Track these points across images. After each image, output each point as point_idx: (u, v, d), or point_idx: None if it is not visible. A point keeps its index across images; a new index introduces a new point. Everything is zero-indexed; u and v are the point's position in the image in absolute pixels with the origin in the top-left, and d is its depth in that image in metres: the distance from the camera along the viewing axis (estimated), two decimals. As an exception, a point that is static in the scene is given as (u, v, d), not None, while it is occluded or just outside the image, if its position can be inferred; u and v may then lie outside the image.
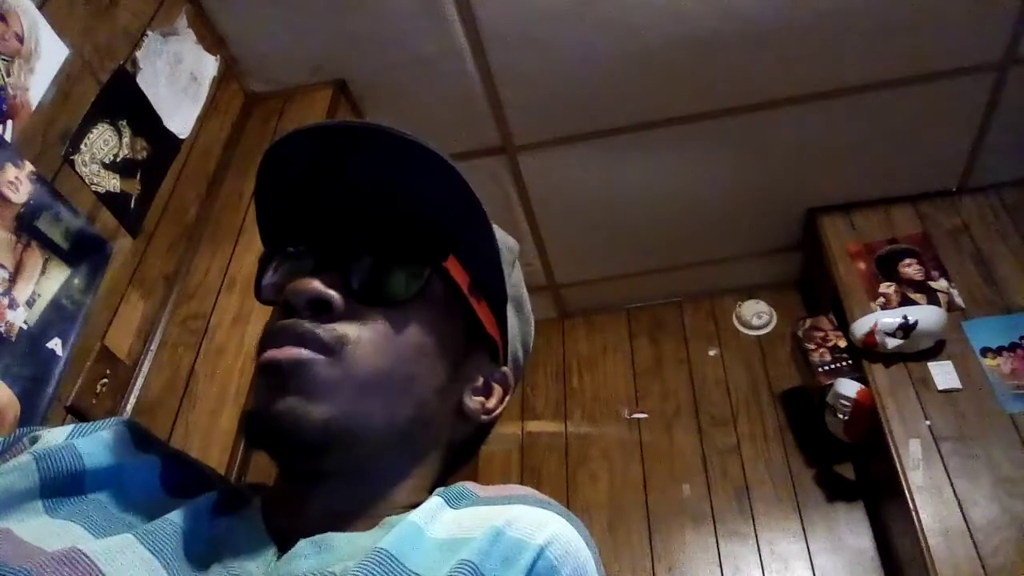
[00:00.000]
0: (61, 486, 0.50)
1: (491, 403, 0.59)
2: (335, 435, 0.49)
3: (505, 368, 0.61)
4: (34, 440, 0.54)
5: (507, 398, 0.60)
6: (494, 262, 0.57)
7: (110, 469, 0.53)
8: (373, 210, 0.54)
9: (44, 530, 0.47)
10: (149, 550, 0.46)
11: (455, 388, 0.56)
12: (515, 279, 0.63)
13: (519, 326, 0.64)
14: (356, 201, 0.54)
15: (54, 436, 0.54)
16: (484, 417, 0.59)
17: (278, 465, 0.54)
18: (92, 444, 0.53)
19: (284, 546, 0.48)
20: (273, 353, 0.49)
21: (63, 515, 0.49)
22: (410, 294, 0.53)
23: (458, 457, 0.60)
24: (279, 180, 0.56)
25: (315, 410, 0.48)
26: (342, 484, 0.51)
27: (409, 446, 0.54)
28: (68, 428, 0.55)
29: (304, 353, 0.49)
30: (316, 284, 0.51)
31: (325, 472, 0.51)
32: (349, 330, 0.51)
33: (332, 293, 0.51)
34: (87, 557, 0.43)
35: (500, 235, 0.61)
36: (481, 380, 0.59)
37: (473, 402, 0.58)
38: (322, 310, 0.51)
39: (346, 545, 0.46)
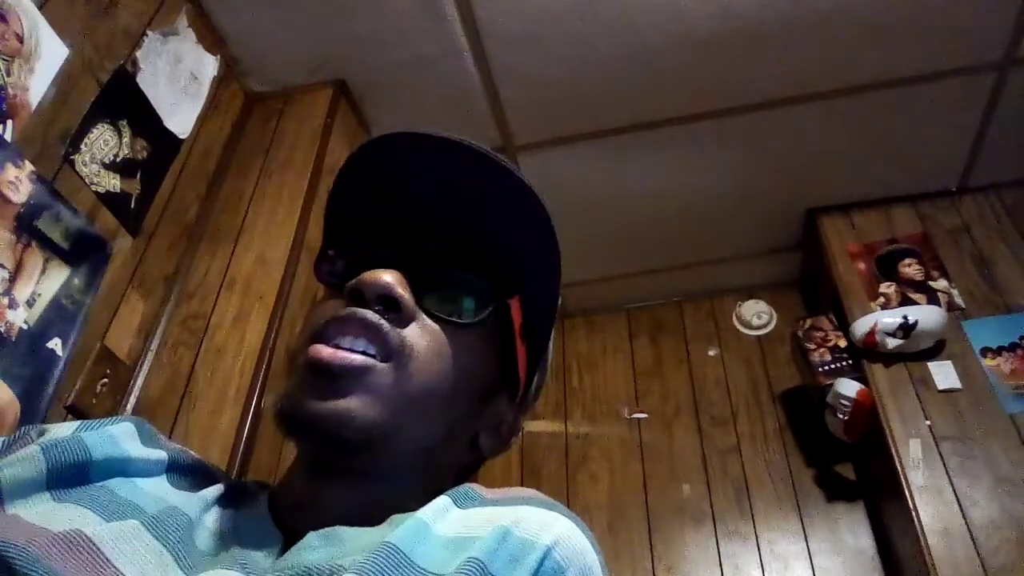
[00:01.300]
0: (68, 476, 0.50)
1: (498, 444, 0.60)
2: (374, 440, 0.49)
3: (520, 416, 0.62)
4: (41, 433, 0.54)
5: (512, 441, 0.61)
6: (548, 317, 0.59)
7: (116, 461, 0.53)
8: (465, 228, 0.54)
9: (52, 513, 0.47)
10: (155, 537, 0.46)
11: (477, 421, 0.58)
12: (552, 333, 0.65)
13: (541, 376, 0.65)
14: (452, 214, 0.55)
15: (61, 430, 0.54)
16: (490, 454, 0.60)
17: (303, 453, 0.55)
18: (99, 438, 0.53)
19: (291, 538, 0.48)
20: (328, 355, 0.49)
21: (70, 500, 0.49)
22: (473, 318, 0.54)
23: (459, 479, 0.60)
24: (382, 167, 0.56)
25: (362, 411, 0.48)
26: (359, 484, 0.52)
27: (429, 462, 0.55)
28: (76, 423, 0.55)
29: (357, 360, 0.49)
30: (394, 280, 0.51)
31: (349, 471, 0.52)
32: (413, 339, 0.51)
33: (406, 294, 0.51)
34: (90, 540, 0.43)
35: None
36: (497, 421, 0.60)
37: (487, 439, 0.59)
38: (391, 308, 0.51)
39: (354, 539, 0.47)
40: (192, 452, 0.60)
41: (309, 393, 0.49)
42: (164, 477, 0.55)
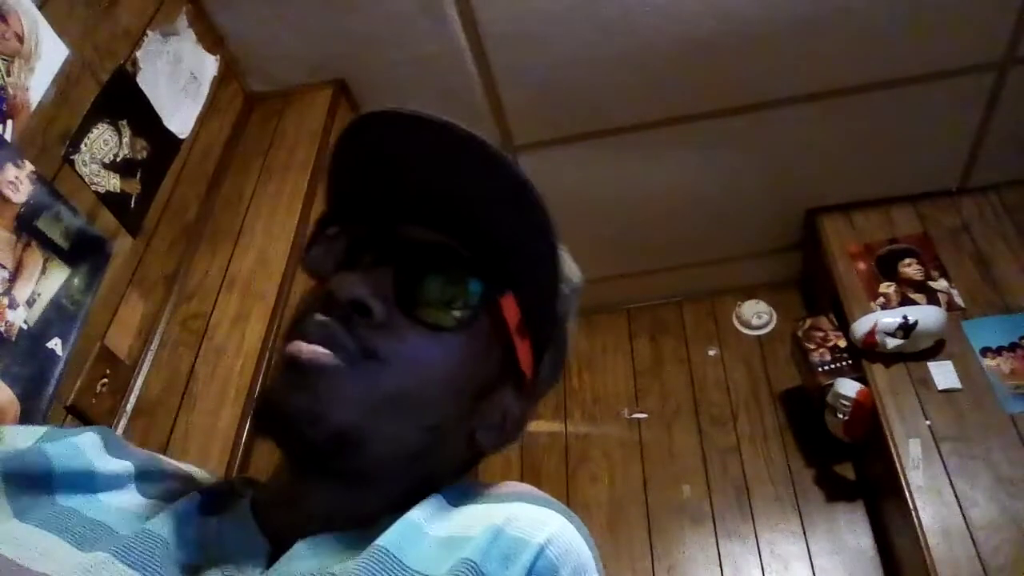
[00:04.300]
0: (28, 488, 0.49)
1: (500, 439, 0.57)
2: (345, 442, 0.48)
3: (526, 405, 0.58)
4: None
5: (521, 433, 0.58)
6: (551, 308, 0.55)
7: (81, 474, 0.51)
8: (459, 221, 0.52)
9: (20, 538, 0.45)
10: (130, 566, 0.44)
11: (472, 418, 0.55)
12: (568, 317, 0.61)
13: (554, 361, 0.61)
14: (448, 204, 0.52)
15: (22, 438, 0.53)
16: (492, 449, 0.57)
17: (283, 452, 0.53)
18: (62, 448, 0.52)
19: (278, 545, 0.47)
20: (301, 349, 0.48)
21: (35, 521, 0.47)
22: (458, 323, 0.51)
23: (457, 474, 0.58)
24: (369, 151, 0.53)
25: (330, 416, 0.47)
26: (344, 487, 0.51)
27: (415, 464, 0.52)
28: (40, 431, 0.54)
29: (332, 359, 0.47)
30: (363, 289, 0.49)
31: (329, 473, 0.50)
32: (383, 345, 0.49)
33: (376, 302, 0.49)
34: None
35: (567, 270, 0.59)
36: (499, 416, 0.56)
37: (487, 435, 0.56)
38: (363, 313, 0.49)
39: (344, 545, 0.46)
40: (165, 459, 0.58)
41: (283, 390, 0.48)
42: (134, 489, 0.53)
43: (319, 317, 0.49)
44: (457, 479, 0.56)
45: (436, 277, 0.51)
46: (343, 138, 0.54)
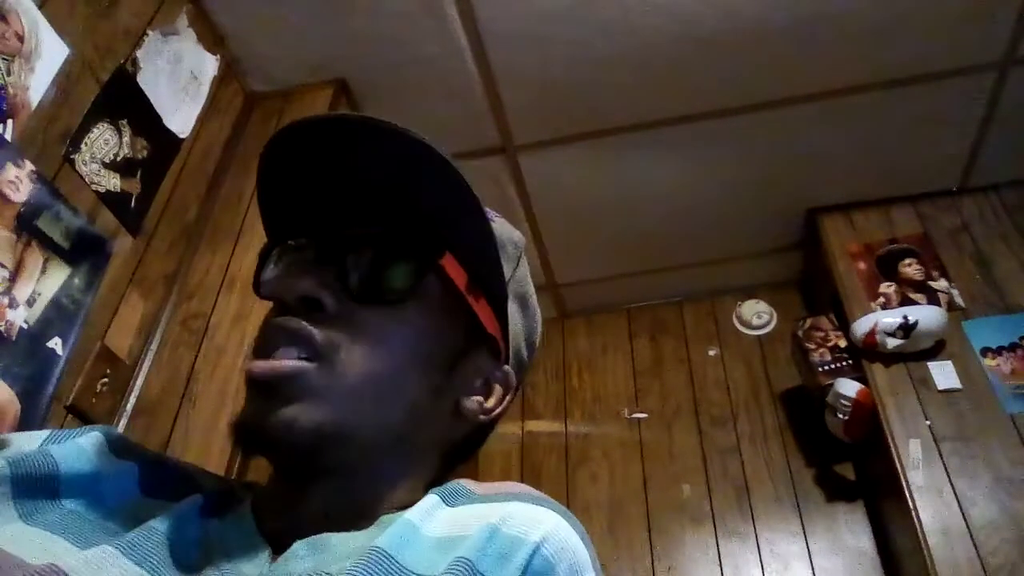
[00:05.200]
0: (35, 491, 0.49)
1: (490, 403, 0.57)
2: (326, 437, 0.48)
3: (507, 367, 0.59)
4: (3, 444, 0.53)
5: (509, 397, 0.58)
6: (493, 259, 0.56)
7: (86, 476, 0.52)
8: (371, 205, 0.54)
9: (24, 538, 0.46)
10: (134, 562, 0.45)
11: (452, 388, 0.55)
12: (519, 275, 0.62)
13: (523, 323, 0.62)
14: (355, 195, 0.54)
15: (27, 441, 0.53)
16: (483, 417, 0.57)
17: (272, 464, 0.54)
18: (67, 450, 0.52)
19: (278, 547, 0.47)
20: (258, 368, 0.49)
21: (40, 523, 0.48)
22: (404, 294, 0.52)
23: (456, 456, 0.59)
24: (281, 171, 0.56)
25: (303, 416, 0.48)
26: (336, 483, 0.51)
27: (403, 446, 0.53)
28: (44, 433, 0.54)
29: (288, 365, 0.49)
30: (308, 283, 0.51)
31: (319, 471, 0.51)
32: (341, 333, 0.50)
33: (324, 292, 0.51)
34: (66, 574, 0.42)
35: (505, 229, 0.60)
36: (480, 380, 0.57)
37: (471, 403, 0.56)
38: (315, 308, 0.51)
39: (342, 545, 0.46)
40: (169, 457, 0.59)
41: (251, 409, 0.49)
42: (137, 489, 0.54)
43: (276, 320, 0.51)
44: (457, 462, 0.58)
45: (376, 258, 0.53)
46: (262, 175, 0.56)
